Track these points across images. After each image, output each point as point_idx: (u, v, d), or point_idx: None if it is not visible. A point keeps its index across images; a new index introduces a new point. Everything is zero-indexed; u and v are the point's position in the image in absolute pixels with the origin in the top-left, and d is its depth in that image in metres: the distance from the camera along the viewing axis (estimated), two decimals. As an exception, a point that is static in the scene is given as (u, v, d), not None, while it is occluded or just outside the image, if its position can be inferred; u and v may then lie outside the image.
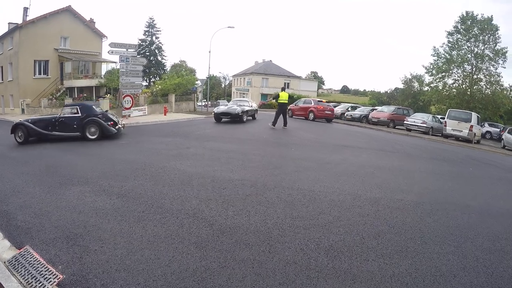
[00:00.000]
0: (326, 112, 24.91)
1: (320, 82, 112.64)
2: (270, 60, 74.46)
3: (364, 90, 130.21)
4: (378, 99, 71.86)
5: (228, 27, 35.79)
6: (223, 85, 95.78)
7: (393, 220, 5.25)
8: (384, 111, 28.03)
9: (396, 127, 26.00)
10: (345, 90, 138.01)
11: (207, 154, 10.25)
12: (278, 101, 17.82)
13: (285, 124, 17.84)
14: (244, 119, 19.76)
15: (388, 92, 72.60)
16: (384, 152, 11.79)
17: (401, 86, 61.19)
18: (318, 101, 26.85)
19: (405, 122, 25.05)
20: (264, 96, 62.12)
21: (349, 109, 33.15)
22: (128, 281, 3.70)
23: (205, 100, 40.52)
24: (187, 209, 5.68)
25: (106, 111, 15.57)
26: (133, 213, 5.62)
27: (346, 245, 4.34)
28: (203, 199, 6.14)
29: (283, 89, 18.34)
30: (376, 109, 30.51)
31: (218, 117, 20.24)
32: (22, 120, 14.27)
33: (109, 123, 13.74)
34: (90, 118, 13.54)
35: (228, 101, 38.43)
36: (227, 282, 3.61)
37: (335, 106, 32.72)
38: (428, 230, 5.08)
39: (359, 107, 35.50)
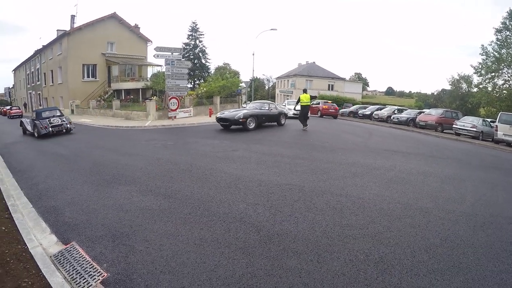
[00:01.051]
0: (330, 110, 31.92)
1: (365, 83, 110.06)
2: (314, 62, 74.04)
3: (410, 91, 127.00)
4: (425, 101, 69.05)
5: (271, 29, 36.38)
6: (266, 87, 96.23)
7: (445, 233, 4.96)
8: (432, 114, 26.96)
9: (445, 131, 24.82)
10: (390, 91, 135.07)
11: (254, 157, 10.17)
12: (300, 103, 17.95)
13: (304, 125, 18.09)
14: (251, 126, 16.91)
15: (435, 93, 69.45)
16: (433, 158, 11.23)
17: (448, 87, 58.03)
18: (324, 102, 33.74)
19: (453, 126, 23.88)
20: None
21: (396, 112, 32.24)
22: (173, 284, 3.71)
23: (248, 102, 41.01)
24: (234, 213, 5.67)
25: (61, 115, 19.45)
26: (179, 214, 5.69)
27: (396, 258, 4.15)
28: (250, 203, 6.12)
29: (304, 91, 18.43)
30: (423, 112, 29.39)
31: (220, 123, 18.06)
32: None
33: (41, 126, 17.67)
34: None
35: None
36: (274, 290, 3.54)
37: (380, 109, 34.82)
38: (481, 245, 4.73)
39: (406, 109, 34.42)
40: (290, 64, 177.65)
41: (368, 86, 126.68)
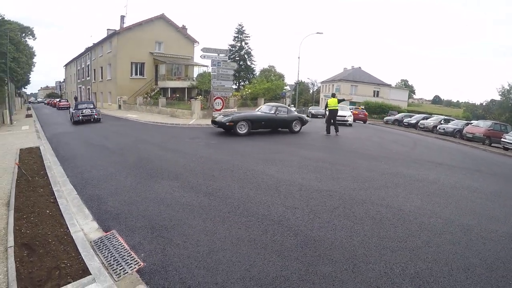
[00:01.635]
0: (360, 115, 35.32)
1: (411, 91, 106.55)
2: (359, 67, 73.68)
3: (457, 101, 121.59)
4: (473, 111, 65.36)
5: (317, 32, 35.91)
6: (311, 91, 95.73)
7: (485, 253, 4.62)
8: (480, 126, 25.65)
9: (493, 144, 23.43)
10: (436, 100, 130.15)
11: (296, 160, 10.22)
12: (328, 108, 17.84)
13: (336, 130, 18.06)
14: (242, 131, 15.96)
15: (484, 104, 65.60)
16: (480, 173, 10.58)
17: (498, 97, 54.51)
18: (355, 108, 36.92)
19: (502, 139, 22.50)
20: (352, 104, 60.45)
21: (442, 122, 30.97)
22: (207, 280, 3.77)
23: (293, 105, 41.01)
24: (272, 215, 5.67)
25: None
26: (218, 212, 5.76)
27: (433, 275, 3.94)
28: (290, 206, 6.10)
29: (333, 95, 18.56)
30: (471, 124, 28.00)
31: (213, 125, 17.65)
32: None
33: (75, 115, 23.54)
34: None
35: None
36: (306, 296, 3.50)
37: (426, 118, 34.35)
38: (523, 271, 4.39)
39: (452, 120, 32.91)
40: (335, 69, 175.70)
41: (414, 93, 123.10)
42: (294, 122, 17.76)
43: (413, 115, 37.76)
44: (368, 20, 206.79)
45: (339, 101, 18.10)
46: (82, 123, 22.81)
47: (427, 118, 34.15)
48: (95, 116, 23.92)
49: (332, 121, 17.87)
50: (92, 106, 25.43)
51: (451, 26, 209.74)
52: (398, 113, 43.50)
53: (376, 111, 53.54)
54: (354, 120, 30.70)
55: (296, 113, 19.89)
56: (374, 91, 64.35)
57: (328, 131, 18.00)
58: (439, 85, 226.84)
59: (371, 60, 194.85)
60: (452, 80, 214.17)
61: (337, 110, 17.92)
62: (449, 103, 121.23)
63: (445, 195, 7.34)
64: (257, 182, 7.64)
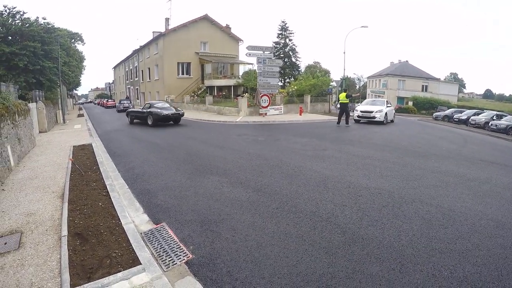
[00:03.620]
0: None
1: (461, 85, 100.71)
2: (407, 61, 71.31)
3: (510, 95, 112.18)
4: None
5: (362, 26, 34.85)
6: (357, 87, 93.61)
7: None
8: None
9: None
10: (488, 94, 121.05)
11: (343, 157, 10.01)
12: (340, 101, 20.29)
13: (346, 122, 20.09)
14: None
15: None
16: None
17: None
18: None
19: None
20: (400, 99, 58.74)
21: (494, 118, 29.10)
22: (254, 273, 3.79)
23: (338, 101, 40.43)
24: (321, 212, 5.62)
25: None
26: (267, 208, 5.79)
27: (482, 280, 3.72)
28: (338, 204, 6.03)
29: (345, 90, 20.99)
30: None
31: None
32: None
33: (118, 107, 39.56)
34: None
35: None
36: (352, 295, 3.43)
37: (477, 114, 33.37)
38: None
39: (505, 115, 30.70)
40: (381, 63, 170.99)
41: (464, 88, 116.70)
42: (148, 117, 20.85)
43: (464, 111, 36.46)
44: (415, 12, 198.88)
45: (347, 96, 20.29)
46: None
47: (478, 114, 32.79)
48: (128, 108, 32.30)
49: (344, 113, 20.02)
50: (128, 102, 41.55)
51: (501, 17, 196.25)
52: (448, 109, 41.88)
53: (425, 106, 51.71)
54: None
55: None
56: (423, 86, 61.55)
57: (338, 122, 20.44)
58: (491, 78, 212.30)
59: (418, 54, 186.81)
60: (504, 72, 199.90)
61: (347, 103, 20.09)
62: (501, 98, 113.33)
63: (498, 196, 6.88)
64: (306, 179, 7.60)
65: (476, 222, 5.34)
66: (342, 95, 20.39)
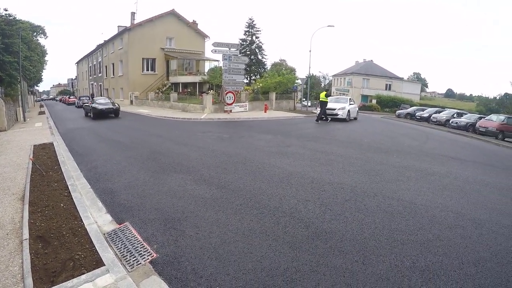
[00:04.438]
0: None
1: (423, 84, 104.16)
2: (371, 60, 72.92)
3: (471, 94, 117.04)
4: (486, 105, 63.41)
5: (328, 25, 35.54)
6: (322, 85, 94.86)
7: (496, 247, 4.55)
8: (493, 120, 25.16)
9: (506, 139, 22.97)
10: (449, 94, 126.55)
11: (307, 154, 10.18)
12: (320, 100, 21.73)
13: (326, 119, 21.84)
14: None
15: (497, 98, 64.03)
16: (492, 168, 10.36)
17: None
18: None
19: None
20: (364, 97, 60.38)
21: (455, 115, 30.59)
22: (219, 270, 3.83)
23: (304, 99, 40.94)
24: (284, 207, 5.72)
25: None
26: (231, 205, 5.83)
27: (443, 268, 3.93)
28: (301, 199, 6.15)
29: (326, 90, 23.28)
30: (484, 118, 27.53)
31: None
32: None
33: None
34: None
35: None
36: (316, 287, 3.52)
37: (439, 112, 34.19)
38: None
39: (465, 113, 32.46)
40: (346, 62, 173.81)
41: (427, 87, 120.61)
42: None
43: (426, 109, 37.41)
44: (379, 12, 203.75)
45: (327, 95, 21.68)
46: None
47: (439, 112, 33.81)
48: (86, 104, 28.60)
49: (322, 111, 21.51)
50: (88, 98, 36.41)
51: (464, 18, 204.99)
52: (411, 107, 43.03)
53: (388, 104, 53.05)
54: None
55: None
56: (386, 85, 63.40)
57: (317, 120, 21.72)
58: (452, 78, 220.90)
59: (383, 53, 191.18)
60: (465, 73, 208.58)
61: (326, 102, 21.35)
62: (462, 97, 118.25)
63: (457, 189, 7.26)
64: (269, 175, 7.69)
65: (437, 214, 5.62)
66: (323, 94, 21.48)
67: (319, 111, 22.58)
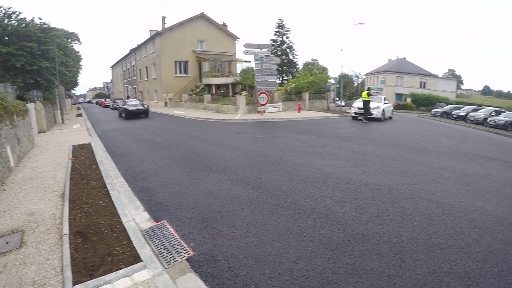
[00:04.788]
0: None
1: (459, 81, 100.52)
2: (404, 58, 70.58)
3: (509, 91, 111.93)
4: None
5: (359, 23, 34.99)
6: (355, 84, 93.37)
7: None
8: None
9: None
10: (486, 91, 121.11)
11: (343, 154, 10.05)
12: (362, 99, 21.60)
13: (365, 118, 21.40)
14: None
15: None
16: None
17: None
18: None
19: None
20: (398, 96, 58.47)
21: (493, 114, 29.15)
22: (255, 269, 3.82)
23: (337, 98, 40.40)
24: (320, 208, 5.65)
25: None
26: (267, 205, 5.81)
27: (483, 275, 3.73)
28: (338, 200, 6.05)
29: (368, 89, 22.16)
30: None
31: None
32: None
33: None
34: None
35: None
36: (352, 290, 3.46)
37: (476, 110, 33.10)
38: None
39: (504, 111, 30.74)
40: (379, 60, 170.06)
41: (462, 84, 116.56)
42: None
43: (462, 107, 36.15)
44: (411, 8, 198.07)
45: (369, 94, 21.27)
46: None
47: (476, 110, 32.57)
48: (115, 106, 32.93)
49: (367, 110, 21.32)
50: (121, 100, 36.80)
51: (500, 12, 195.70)
52: (446, 105, 41.74)
53: (423, 103, 51.48)
54: None
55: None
56: (421, 82, 61.35)
57: (364, 119, 21.44)
58: (489, 74, 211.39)
59: (417, 50, 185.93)
60: (502, 69, 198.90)
61: (368, 101, 21.18)
62: (500, 94, 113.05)
63: (497, 191, 6.91)
64: (305, 176, 7.63)
65: (476, 217, 5.37)
66: (365, 93, 21.30)
67: (354, 111, 22.48)
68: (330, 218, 5.21)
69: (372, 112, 21.22)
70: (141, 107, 26.81)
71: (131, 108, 26.34)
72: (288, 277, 3.64)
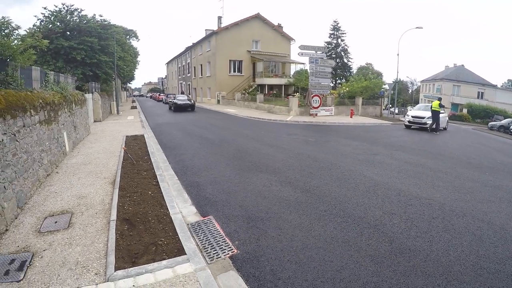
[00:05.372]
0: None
1: None
2: (462, 65, 66.51)
3: None
4: None
5: (416, 27, 33.25)
6: (410, 91, 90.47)
7: None
8: None
9: None
10: None
11: (395, 164, 9.73)
12: (432, 109, 20.38)
13: (436, 130, 20.24)
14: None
15: None
16: None
17: None
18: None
19: None
20: (454, 106, 55.53)
21: None
22: (297, 275, 3.75)
23: (390, 105, 39.21)
24: (369, 218, 5.48)
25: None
26: (315, 210, 5.72)
27: None
28: (387, 211, 5.85)
29: (439, 99, 20.91)
30: None
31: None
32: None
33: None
34: None
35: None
36: (394, 307, 3.28)
37: None
38: None
39: None
40: (436, 67, 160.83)
41: None
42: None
43: None
44: (471, 13, 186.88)
45: (440, 105, 20.16)
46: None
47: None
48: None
49: (434, 120, 20.20)
50: (173, 95, 40.61)
51: (498, 13, 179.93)
52: (504, 118, 39.15)
53: (480, 114, 48.45)
54: None
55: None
56: (478, 92, 57.30)
57: (436, 130, 20.32)
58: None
59: (474, 57, 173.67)
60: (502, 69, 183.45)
61: (438, 111, 20.06)
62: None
63: None
64: (355, 183, 7.45)
65: (531, 243, 4.97)
66: (435, 103, 20.38)
67: (408, 119, 21.89)
68: (378, 229, 5.05)
69: (427, 122, 20.35)
70: (188, 102, 31.16)
71: (179, 102, 30.83)
72: (330, 286, 3.55)
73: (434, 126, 20.20)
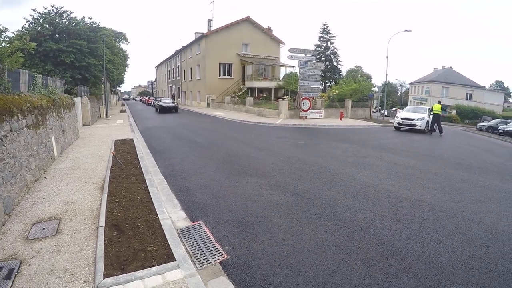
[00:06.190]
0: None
1: (507, 94, 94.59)
2: (451, 67, 68.60)
3: None
4: None
5: (405, 30, 33.95)
6: (399, 93, 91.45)
7: None
8: None
9: None
10: None
11: (384, 166, 9.80)
12: (433, 111, 21.09)
13: (440, 131, 20.94)
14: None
15: None
16: None
17: None
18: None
19: None
20: (443, 107, 55.78)
21: None
22: (288, 279, 3.74)
23: (380, 107, 39.61)
24: (359, 221, 5.49)
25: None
26: (305, 213, 5.72)
27: None
28: (377, 214, 5.87)
29: (439, 102, 21.66)
30: None
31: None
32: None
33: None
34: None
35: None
36: (386, 309, 3.28)
37: None
38: None
39: None
40: (425, 69, 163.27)
41: (510, 97, 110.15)
42: None
43: (509, 122, 34.38)
44: (459, 16, 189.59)
45: (442, 108, 21.08)
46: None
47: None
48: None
49: (436, 122, 20.99)
50: (160, 99, 42.59)
51: (498, 13, 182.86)
52: (493, 119, 40.02)
53: (469, 116, 49.19)
54: None
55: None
56: (467, 94, 58.90)
57: (430, 131, 21.18)
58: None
59: (463, 59, 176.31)
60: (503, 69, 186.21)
61: (439, 114, 20.77)
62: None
63: None
64: (346, 186, 7.48)
65: (521, 242, 5.03)
66: (437, 106, 20.97)
67: (397, 121, 22.07)
68: (369, 232, 5.07)
69: (416, 123, 20.59)
70: (172, 104, 35.17)
71: (164, 104, 34.60)
72: (321, 290, 3.53)
73: (435, 128, 20.90)
